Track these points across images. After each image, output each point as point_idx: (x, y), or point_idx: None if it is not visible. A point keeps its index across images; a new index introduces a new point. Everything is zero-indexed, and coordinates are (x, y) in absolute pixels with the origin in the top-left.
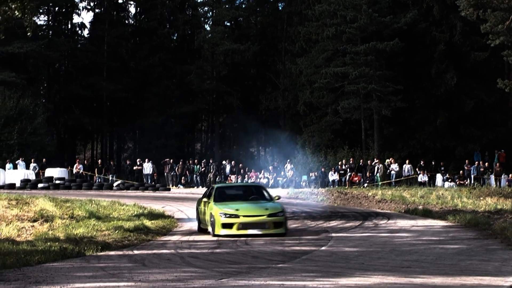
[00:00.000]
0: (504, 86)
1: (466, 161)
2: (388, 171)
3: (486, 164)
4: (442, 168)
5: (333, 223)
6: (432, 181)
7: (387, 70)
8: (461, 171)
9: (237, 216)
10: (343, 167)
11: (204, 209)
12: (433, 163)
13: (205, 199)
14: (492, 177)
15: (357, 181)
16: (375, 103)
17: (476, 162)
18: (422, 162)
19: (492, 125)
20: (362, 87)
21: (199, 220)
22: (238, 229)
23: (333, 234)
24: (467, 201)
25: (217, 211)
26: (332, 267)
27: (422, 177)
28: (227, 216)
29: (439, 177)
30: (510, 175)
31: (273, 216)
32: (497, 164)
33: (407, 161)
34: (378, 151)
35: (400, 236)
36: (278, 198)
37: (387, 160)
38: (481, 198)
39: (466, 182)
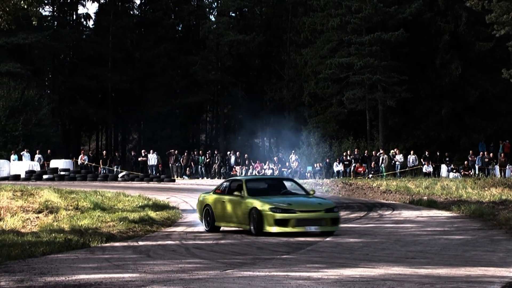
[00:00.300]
0: (508, 76)
1: (471, 151)
2: (393, 161)
3: (491, 154)
4: (447, 159)
5: None
6: (437, 171)
7: (392, 61)
8: (465, 162)
9: (293, 212)
10: (348, 158)
11: (231, 204)
12: (438, 153)
13: (236, 193)
14: (497, 167)
15: (362, 172)
16: (380, 93)
17: (481, 153)
18: (427, 153)
19: (497, 116)
20: (367, 77)
21: (212, 218)
22: (294, 226)
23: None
24: (472, 191)
25: (266, 206)
26: (336, 258)
27: (427, 168)
28: (280, 211)
29: (444, 168)
30: None
31: (330, 212)
32: (502, 154)
33: (411, 152)
34: (383, 141)
35: (405, 227)
36: (314, 192)
37: (392, 151)
38: (486, 189)
39: (471, 173)
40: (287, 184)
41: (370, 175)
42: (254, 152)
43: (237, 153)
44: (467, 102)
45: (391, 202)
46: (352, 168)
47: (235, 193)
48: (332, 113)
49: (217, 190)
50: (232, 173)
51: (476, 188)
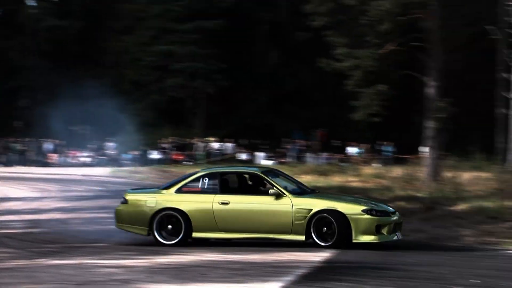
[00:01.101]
0: (325, 66)
1: (287, 139)
2: (210, 149)
3: (306, 142)
4: (264, 146)
5: None
6: (253, 158)
7: (212, 49)
8: (281, 149)
9: (387, 214)
10: (166, 145)
11: (251, 208)
12: (254, 141)
13: (272, 191)
14: (311, 155)
15: (179, 159)
16: (200, 81)
17: (296, 141)
18: (243, 140)
19: (313, 104)
20: (187, 65)
21: (186, 228)
22: (389, 232)
23: None
24: None
25: (356, 208)
26: (151, 245)
27: (244, 155)
28: (376, 213)
29: (260, 155)
30: (327, 154)
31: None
32: (316, 142)
33: (229, 139)
34: (201, 129)
35: None
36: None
37: (209, 138)
38: (300, 176)
39: (286, 160)
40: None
41: (188, 163)
42: (72, 139)
43: (54, 140)
44: (284, 90)
45: None
46: (169, 155)
47: (271, 191)
48: (152, 100)
49: (187, 188)
50: (48, 160)
51: (290, 174)
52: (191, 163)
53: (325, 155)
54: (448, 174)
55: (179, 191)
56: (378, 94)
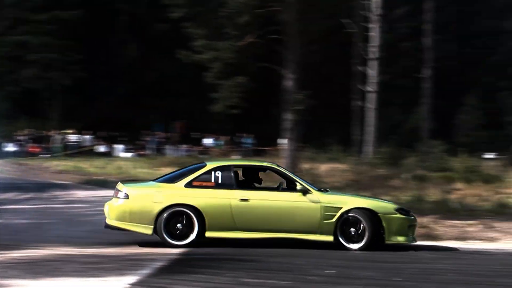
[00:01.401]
0: (184, 57)
1: (146, 131)
2: (68, 141)
3: (166, 134)
4: (122, 139)
5: (7, 195)
6: (112, 151)
7: (69, 40)
8: (140, 141)
9: (409, 214)
10: (22, 137)
11: (274, 205)
12: (113, 133)
13: (298, 186)
14: (170, 147)
15: (36, 152)
16: (56, 72)
17: (156, 133)
18: (102, 132)
19: (172, 96)
20: (43, 56)
21: (199, 226)
22: (414, 233)
23: (6, 206)
24: (146, 171)
25: (389, 206)
26: (3, 240)
27: (102, 148)
28: (405, 213)
29: (119, 148)
30: (187, 146)
31: None
32: (175, 134)
33: (87, 131)
34: (58, 121)
35: (77, 206)
36: None
37: (67, 131)
38: (161, 168)
39: (146, 152)
40: None
41: (44, 155)
42: None
43: None
44: (144, 82)
45: (65, 182)
46: (25, 148)
47: (299, 187)
48: (6, 91)
49: (199, 182)
50: None
51: (149, 167)
52: (48, 155)
53: (184, 147)
54: (306, 165)
55: (189, 185)
56: (237, 86)
